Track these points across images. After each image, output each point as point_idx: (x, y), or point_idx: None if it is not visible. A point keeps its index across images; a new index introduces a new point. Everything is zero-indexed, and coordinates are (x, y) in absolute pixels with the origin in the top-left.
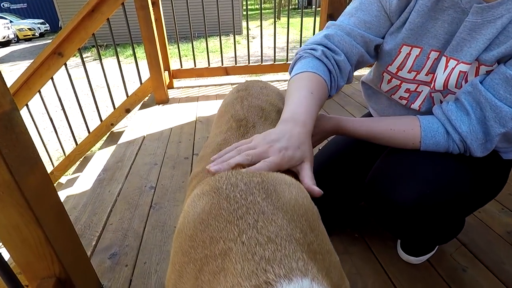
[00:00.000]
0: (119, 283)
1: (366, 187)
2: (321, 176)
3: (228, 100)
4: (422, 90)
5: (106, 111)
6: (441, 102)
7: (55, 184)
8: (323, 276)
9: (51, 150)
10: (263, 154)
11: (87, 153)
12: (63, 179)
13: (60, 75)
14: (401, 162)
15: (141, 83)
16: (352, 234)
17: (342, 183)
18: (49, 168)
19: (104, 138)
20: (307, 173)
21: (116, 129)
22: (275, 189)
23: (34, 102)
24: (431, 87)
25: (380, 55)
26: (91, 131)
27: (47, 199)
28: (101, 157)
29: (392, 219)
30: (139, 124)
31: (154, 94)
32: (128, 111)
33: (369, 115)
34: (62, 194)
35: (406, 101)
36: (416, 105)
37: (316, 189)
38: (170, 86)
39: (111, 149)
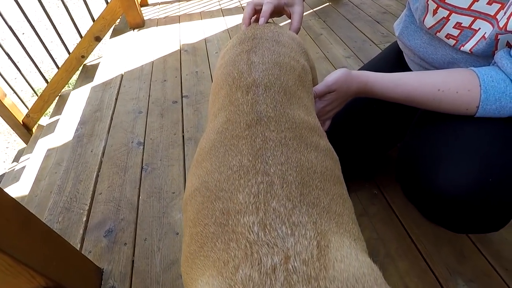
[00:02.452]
0: (120, 266)
1: (398, 165)
2: (338, 124)
3: (228, 57)
4: (479, 28)
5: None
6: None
7: (35, 127)
8: None
9: (19, 90)
10: None
11: (62, 91)
12: (43, 121)
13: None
14: (446, 133)
15: (107, 2)
16: (371, 190)
17: (361, 132)
18: (24, 111)
19: (78, 73)
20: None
21: (89, 62)
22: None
23: None
24: (498, 26)
25: None
26: (59, 66)
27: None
28: (77, 98)
29: (437, 211)
30: (114, 57)
31: (126, 16)
32: (98, 39)
33: (392, 49)
34: (43, 145)
35: (455, 41)
36: (467, 47)
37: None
38: (144, 3)
39: (87, 88)
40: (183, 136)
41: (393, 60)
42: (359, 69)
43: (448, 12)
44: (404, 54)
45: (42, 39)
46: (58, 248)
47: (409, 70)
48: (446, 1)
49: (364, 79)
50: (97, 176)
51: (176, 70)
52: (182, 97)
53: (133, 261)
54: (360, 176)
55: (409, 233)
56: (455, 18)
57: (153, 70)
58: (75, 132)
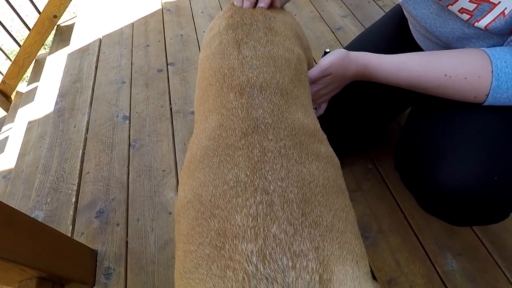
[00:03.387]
0: (115, 247)
1: (397, 153)
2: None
3: (216, 47)
4: (499, 1)
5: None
6: None
7: (13, 94)
8: None
9: None
10: None
11: (38, 54)
12: (21, 88)
13: None
14: (450, 124)
15: None
16: (366, 165)
17: (357, 106)
18: None
19: (52, 35)
20: None
21: (63, 22)
22: None
23: None
24: None
25: None
26: (31, 27)
27: None
28: (54, 64)
29: (436, 205)
30: (89, 18)
31: None
32: None
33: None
34: (24, 115)
35: (469, 16)
36: (483, 23)
37: None
38: None
39: (63, 52)
40: (170, 109)
41: (396, 27)
42: (359, 35)
43: None
44: (408, 22)
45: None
46: (46, 239)
47: (413, 40)
48: None
49: (364, 62)
50: (83, 154)
51: (159, 33)
52: (167, 64)
53: (127, 241)
54: (354, 149)
55: (401, 209)
56: None
57: (134, 33)
58: (55, 106)
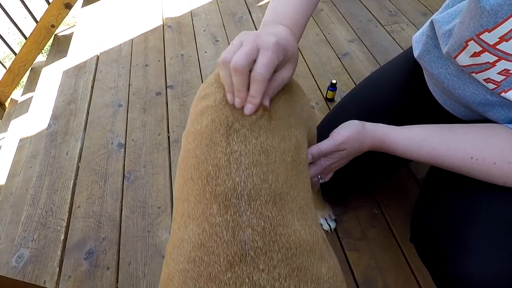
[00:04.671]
0: None
1: (413, 228)
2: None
3: (205, 125)
4: None
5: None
6: None
7: (7, 102)
8: None
9: None
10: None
11: (34, 62)
12: (15, 95)
13: None
14: (473, 203)
15: None
16: (372, 210)
17: (365, 156)
18: None
19: (49, 45)
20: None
21: (60, 32)
22: None
23: None
24: None
25: (471, 10)
26: (27, 36)
27: None
28: (50, 76)
29: None
30: (88, 31)
31: None
32: (68, 6)
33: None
34: (17, 127)
35: (496, 86)
36: (510, 95)
37: None
38: None
39: (60, 64)
40: (168, 137)
41: (410, 74)
42: (368, 77)
43: (497, 58)
44: (424, 74)
45: (4, 6)
46: None
47: (428, 91)
48: (497, 46)
49: (380, 137)
50: (74, 185)
51: (159, 52)
52: (166, 87)
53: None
54: (361, 190)
55: (408, 262)
56: (503, 64)
57: (133, 51)
58: (47, 129)
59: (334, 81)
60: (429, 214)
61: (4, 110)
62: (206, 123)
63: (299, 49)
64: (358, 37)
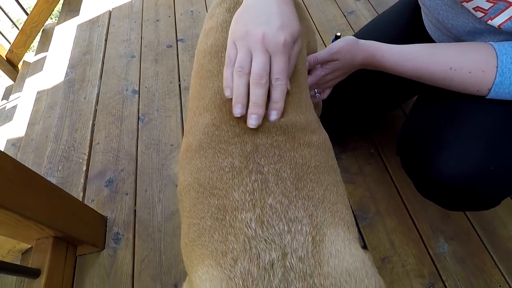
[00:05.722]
0: (123, 214)
1: (400, 141)
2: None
3: (210, 46)
4: None
5: None
6: None
7: (20, 63)
8: None
9: None
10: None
11: (45, 24)
12: (28, 57)
13: None
14: (453, 114)
15: None
16: (369, 150)
17: (361, 94)
18: (6, 46)
19: (60, 5)
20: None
21: None
22: None
23: None
24: None
25: None
26: None
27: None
28: (62, 35)
29: (433, 192)
30: None
31: None
32: None
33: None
34: (32, 84)
35: (483, 14)
36: (496, 22)
37: None
38: None
39: (72, 23)
40: (179, 85)
41: (408, 16)
42: (370, 22)
43: None
44: (421, 11)
45: None
46: (62, 202)
47: (425, 30)
48: None
49: (372, 51)
50: (93, 125)
51: (169, 8)
52: (177, 40)
53: (135, 210)
54: (358, 133)
55: (399, 193)
56: None
57: (144, 7)
58: (65, 77)
59: (338, 34)
60: (414, 127)
61: (17, 72)
62: (211, 43)
63: (305, 6)
64: None
